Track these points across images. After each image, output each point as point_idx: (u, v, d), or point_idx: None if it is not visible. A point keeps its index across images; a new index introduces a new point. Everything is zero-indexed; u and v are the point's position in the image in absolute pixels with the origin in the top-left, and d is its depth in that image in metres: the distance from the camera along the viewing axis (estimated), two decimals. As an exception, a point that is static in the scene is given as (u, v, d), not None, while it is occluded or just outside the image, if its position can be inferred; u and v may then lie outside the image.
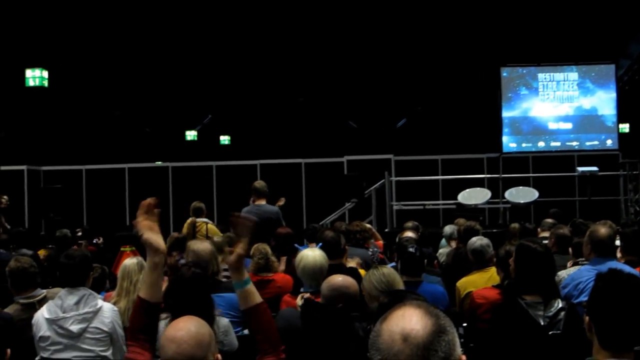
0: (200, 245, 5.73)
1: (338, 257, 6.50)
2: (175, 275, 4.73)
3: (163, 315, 4.22)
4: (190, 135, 28.05)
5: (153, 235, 3.17)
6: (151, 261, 3.23)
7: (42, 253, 9.86)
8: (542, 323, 4.46)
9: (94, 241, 12.77)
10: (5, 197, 14.48)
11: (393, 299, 3.38)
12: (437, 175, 17.69)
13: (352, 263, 7.12)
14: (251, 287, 3.32)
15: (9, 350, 3.03)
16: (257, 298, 3.29)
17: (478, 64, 19.92)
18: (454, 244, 9.39)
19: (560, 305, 4.55)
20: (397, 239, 9.00)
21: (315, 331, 4.61)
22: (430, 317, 1.69)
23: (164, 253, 3.31)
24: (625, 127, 18.34)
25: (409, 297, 3.56)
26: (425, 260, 7.05)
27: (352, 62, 22.77)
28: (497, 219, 16.42)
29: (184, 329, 2.71)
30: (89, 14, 19.66)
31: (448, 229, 10.04)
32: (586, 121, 17.66)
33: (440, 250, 9.88)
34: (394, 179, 16.59)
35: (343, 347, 4.50)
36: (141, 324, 3.18)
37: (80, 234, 14.18)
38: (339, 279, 4.90)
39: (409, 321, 1.68)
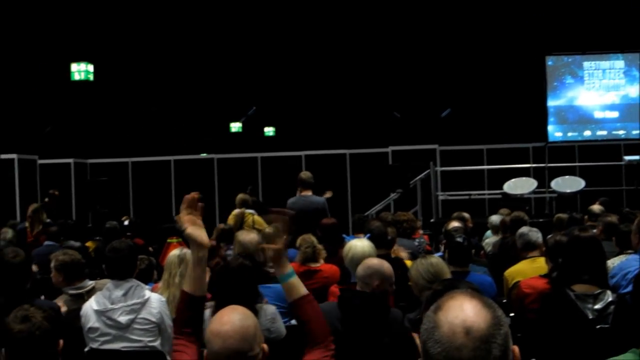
0: (247, 237, 5.75)
1: (385, 248, 6.74)
2: (222, 265, 4.87)
3: (208, 304, 4.33)
4: (235, 127, 28.01)
5: (196, 230, 3.18)
6: (195, 256, 3.24)
7: (90, 245, 9.97)
8: (590, 316, 4.41)
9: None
10: (56, 191, 15.30)
11: (446, 287, 3.41)
12: (483, 165, 17.77)
13: (402, 254, 7.29)
14: (295, 279, 3.32)
15: (61, 341, 3.06)
16: (302, 290, 3.29)
17: (523, 53, 19.50)
18: (500, 234, 9.36)
19: (610, 298, 4.48)
20: (443, 229, 9.12)
21: (353, 320, 4.60)
22: (488, 309, 1.71)
23: (207, 247, 3.29)
24: None
25: (463, 285, 3.60)
26: (473, 250, 7.13)
27: (396, 53, 22.70)
28: (543, 208, 16.30)
29: (228, 322, 2.71)
30: (133, 9, 20.53)
31: (495, 218, 10.06)
32: (632, 109, 17.50)
33: (486, 240, 9.92)
34: (439, 169, 16.55)
35: (380, 337, 4.58)
36: (185, 317, 3.20)
37: (126, 223, 14.24)
38: (373, 260, 5.03)
39: (469, 314, 1.68)
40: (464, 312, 1.66)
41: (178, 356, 3.10)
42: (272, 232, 4.43)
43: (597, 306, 4.42)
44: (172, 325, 4.66)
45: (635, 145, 17.16)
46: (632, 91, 17.55)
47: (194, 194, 3.28)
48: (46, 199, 14.71)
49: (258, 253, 5.16)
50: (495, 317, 1.69)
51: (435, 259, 4.92)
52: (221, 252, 7.71)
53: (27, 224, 11.45)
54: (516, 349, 1.77)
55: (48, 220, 11.75)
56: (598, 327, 4.39)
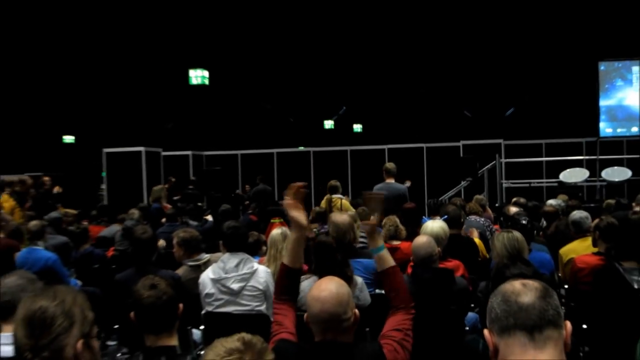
0: (340, 218, 5.63)
1: (457, 228, 6.98)
2: (318, 242, 4.89)
3: (306, 275, 4.71)
4: (328, 124, 28.32)
5: (298, 213, 3.37)
6: (295, 234, 3.43)
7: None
8: (635, 286, 4.41)
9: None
10: (173, 178, 16.43)
11: (510, 261, 3.96)
12: (541, 157, 17.81)
13: (474, 233, 7.57)
14: (385, 252, 3.40)
15: (181, 305, 3.11)
16: (391, 261, 3.38)
17: (579, 59, 19.55)
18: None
19: None
20: (502, 211, 9.66)
21: (424, 291, 4.70)
22: (539, 282, 1.94)
23: (306, 228, 3.46)
24: None
25: (518, 264, 3.90)
26: (535, 232, 7.31)
27: (469, 60, 22.47)
28: (594, 195, 16.30)
29: (326, 289, 2.85)
30: (243, 22, 19.99)
31: (553, 202, 10.04)
32: None
33: (544, 223, 9.45)
34: (503, 160, 16.64)
35: (447, 305, 4.85)
36: (284, 286, 3.35)
37: (247, 202, 14.73)
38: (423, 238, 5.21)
39: (525, 281, 1.94)
40: (521, 282, 1.93)
41: (278, 318, 3.24)
42: (366, 211, 5.26)
43: None
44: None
45: None
46: None
47: (299, 184, 3.53)
48: (166, 185, 14.87)
49: (349, 232, 5.21)
50: (545, 287, 1.91)
51: (519, 234, 4.93)
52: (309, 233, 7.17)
53: (162, 204, 12.19)
54: (568, 324, 1.89)
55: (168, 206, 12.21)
56: None
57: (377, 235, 3.45)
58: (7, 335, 2.92)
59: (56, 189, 13.53)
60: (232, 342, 2.11)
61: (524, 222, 6.26)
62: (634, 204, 9.32)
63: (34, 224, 7.70)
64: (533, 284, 1.90)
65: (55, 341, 2.17)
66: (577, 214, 6.60)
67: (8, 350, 2.80)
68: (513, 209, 8.73)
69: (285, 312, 3.21)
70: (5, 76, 21.48)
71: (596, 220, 6.11)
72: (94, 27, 19.71)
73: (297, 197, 3.42)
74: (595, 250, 5.64)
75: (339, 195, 10.62)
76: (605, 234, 5.46)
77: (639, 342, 2.89)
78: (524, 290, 1.87)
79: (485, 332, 1.93)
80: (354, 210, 8.78)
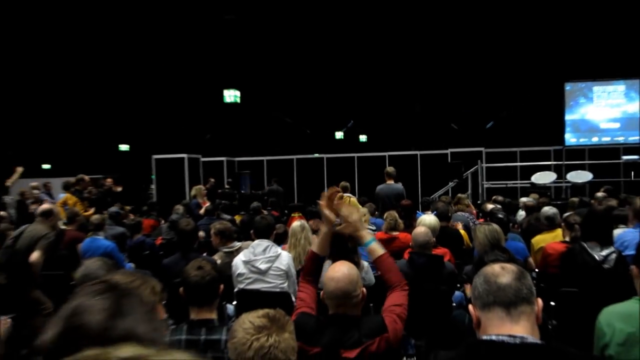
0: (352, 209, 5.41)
1: (446, 221, 7.06)
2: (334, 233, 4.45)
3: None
4: (338, 135, 28.16)
5: (329, 213, 3.39)
6: (325, 229, 3.42)
7: (237, 218, 10.36)
8: (598, 259, 4.43)
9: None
10: (212, 179, 16.07)
11: (490, 252, 3.82)
12: (516, 162, 17.58)
13: (458, 225, 7.55)
14: (373, 244, 3.32)
15: (222, 286, 3.13)
16: (380, 251, 3.29)
17: (547, 80, 19.62)
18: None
19: (613, 249, 4.49)
20: (481, 207, 9.69)
21: (419, 274, 4.82)
22: (514, 266, 1.93)
23: (334, 224, 3.46)
24: None
25: (495, 251, 3.82)
26: (511, 224, 7.29)
27: (455, 81, 22.24)
28: (561, 194, 16.07)
29: (340, 271, 2.87)
30: (268, 51, 19.93)
31: (526, 200, 9.90)
32: (630, 122, 17.53)
33: (519, 216, 9.61)
34: (484, 165, 16.55)
35: (438, 285, 4.88)
36: (311, 269, 3.33)
37: (273, 199, 13.96)
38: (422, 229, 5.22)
39: (503, 264, 1.93)
40: (500, 265, 1.92)
41: (301, 295, 3.21)
42: (372, 207, 5.70)
43: (603, 253, 4.43)
44: (295, 274, 5.10)
45: (632, 148, 17.39)
46: (630, 108, 17.62)
47: (334, 189, 3.57)
48: (207, 185, 14.83)
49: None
50: (520, 270, 1.89)
51: (497, 226, 4.88)
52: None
53: (199, 200, 12.18)
54: (539, 301, 1.87)
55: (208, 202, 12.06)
56: (605, 266, 4.39)
57: (362, 234, 3.38)
58: None
59: (118, 189, 13.49)
60: (259, 319, 2.15)
61: (500, 216, 6.25)
62: (593, 201, 9.30)
63: (95, 217, 7.73)
64: (510, 267, 1.89)
65: None
66: (550, 210, 6.56)
67: None
68: (491, 206, 8.84)
69: (308, 290, 3.21)
70: (71, 94, 21.81)
71: (565, 215, 6.22)
72: (146, 56, 19.78)
73: (330, 200, 3.42)
74: (562, 239, 5.67)
75: (349, 194, 10.51)
76: (571, 227, 5.52)
77: (599, 316, 2.84)
78: (502, 273, 1.86)
79: (470, 307, 1.93)
80: (360, 206, 8.71)
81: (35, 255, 5.95)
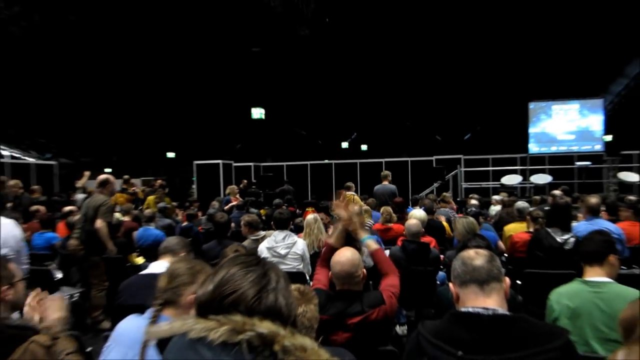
0: (354, 209, 4.95)
1: (431, 215, 7.00)
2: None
3: None
4: (344, 144, 27.67)
5: (342, 212, 3.32)
6: (340, 225, 3.35)
7: (262, 212, 10.38)
8: (560, 242, 4.40)
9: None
10: (244, 180, 15.72)
11: (469, 238, 3.68)
12: (489, 167, 17.41)
13: (441, 218, 7.49)
14: (368, 241, 3.28)
15: None
16: (374, 246, 3.26)
17: (515, 100, 19.60)
18: (499, 206, 9.40)
19: (571, 234, 4.47)
20: (464, 203, 9.62)
21: (410, 258, 4.80)
22: (486, 251, 1.89)
23: (347, 221, 3.36)
24: (608, 137, 17.99)
25: (476, 238, 3.66)
26: (484, 217, 7.43)
27: (439, 102, 22.51)
28: (525, 193, 15.98)
29: (344, 256, 2.83)
30: (287, 77, 20.06)
31: (497, 197, 10.31)
32: (583, 134, 17.60)
33: (492, 209, 10.00)
34: (462, 169, 16.40)
35: (425, 267, 4.83)
36: (327, 257, 3.18)
37: (289, 196, 14.72)
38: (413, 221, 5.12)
39: (478, 250, 1.90)
40: (474, 250, 1.90)
41: (317, 277, 3.14)
42: (375, 203, 5.48)
43: (563, 237, 4.41)
44: (309, 257, 4.98)
45: (584, 156, 17.29)
46: (583, 123, 17.61)
47: (344, 193, 3.52)
48: (241, 185, 14.57)
49: (359, 218, 4.12)
50: (491, 254, 1.88)
51: (472, 219, 4.81)
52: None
53: (231, 197, 11.79)
54: (507, 279, 1.84)
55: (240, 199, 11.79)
56: (565, 248, 4.37)
57: (360, 232, 3.34)
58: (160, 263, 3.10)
59: (166, 189, 13.31)
60: (293, 292, 2.11)
61: (475, 210, 6.46)
62: (551, 198, 9.09)
63: (148, 211, 7.73)
64: (483, 252, 1.88)
65: (176, 289, 2.15)
66: (522, 204, 6.47)
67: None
68: (474, 202, 8.97)
69: (323, 273, 3.17)
70: (130, 114, 22.26)
71: (529, 210, 6.13)
72: (190, 82, 20.10)
73: (343, 200, 3.38)
74: (527, 230, 5.63)
75: (352, 192, 10.38)
76: (535, 220, 5.47)
77: (550, 295, 2.84)
78: (476, 257, 1.86)
79: (450, 285, 1.92)
80: (361, 202, 8.69)
81: (98, 222, 5.79)
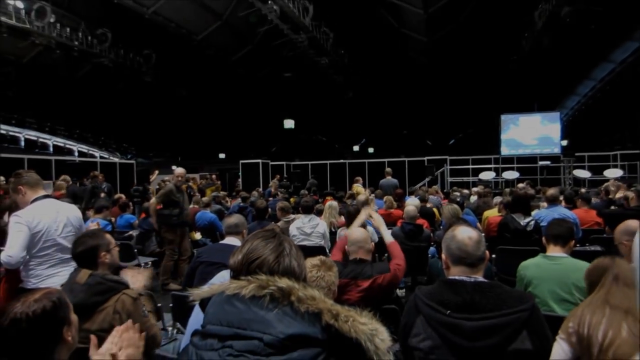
0: (361, 198, 5.46)
1: (424, 202, 7.06)
2: (350, 209, 4.43)
3: (343, 227, 4.73)
4: (355, 148, 27.84)
5: (366, 216, 3.24)
6: (359, 221, 3.30)
7: (292, 200, 10.20)
8: (522, 224, 4.33)
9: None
10: (278, 175, 15.59)
11: (455, 222, 3.73)
12: (469, 165, 16.55)
13: (430, 204, 7.38)
14: (386, 235, 3.17)
15: None
16: (390, 240, 3.12)
17: (489, 112, 19.20)
18: (477, 196, 8.58)
19: (531, 218, 4.37)
20: (450, 194, 9.34)
21: (407, 235, 4.73)
22: (477, 232, 1.79)
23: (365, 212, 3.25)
24: (564, 142, 17.34)
25: (460, 221, 3.78)
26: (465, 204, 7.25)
27: (430, 115, 22.36)
28: (498, 186, 15.66)
29: (357, 232, 2.83)
30: (314, 94, 19.86)
31: (476, 189, 9.77)
32: (544, 140, 17.20)
33: (471, 200, 9.23)
34: (448, 167, 16.21)
35: (419, 243, 4.76)
36: (340, 246, 3.09)
37: (314, 188, 13.73)
38: (412, 207, 5.06)
39: (470, 232, 1.78)
40: (467, 231, 1.78)
41: (334, 256, 3.05)
42: (379, 194, 5.47)
43: (525, 221, 4.32)
44: (328, 234, 4.89)
45: (545, 157, 16.90)
46: (545, 131, 17.16)
47: (371, 211, 3.39)
48: (275, 180, 14.07)
49: (365, 205, 4.72)
50: (480, 235, 1.80)
51: (456, 206, 4.71)
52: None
53: (272, 189, 11.99)
54: (487, 252, 1.81)
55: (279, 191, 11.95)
56: (527, 230, 4.29)
57: (381, 229, 3.23)
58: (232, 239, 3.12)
59: (218, 181, 13.44)
60: (315, 261, 2.13)
61: (458, 199, 6.45)
62: (515, 189, 8.52)
63: (204, 198, 7.53)
64: (475, 237, 1.80)
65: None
66: (499, 198, 6.32)
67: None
68: (458, 193, 8.95)
69: (338, 255, 3.06)
70: (190, 122, 22.87)
71: (500, 199, 6.07)
72: (239, 100, 20.69)
73: (369, 214, 3.32)
74: (499, 214, 5.52)
75: (360, 185, 10.46)
76: (505, 206, 5.38)
77: (519, 267, 2.76)
78: (470, 243, 1.78)
79: (443, 255, 1.85)
80: (363, 191, 8.84)
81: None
